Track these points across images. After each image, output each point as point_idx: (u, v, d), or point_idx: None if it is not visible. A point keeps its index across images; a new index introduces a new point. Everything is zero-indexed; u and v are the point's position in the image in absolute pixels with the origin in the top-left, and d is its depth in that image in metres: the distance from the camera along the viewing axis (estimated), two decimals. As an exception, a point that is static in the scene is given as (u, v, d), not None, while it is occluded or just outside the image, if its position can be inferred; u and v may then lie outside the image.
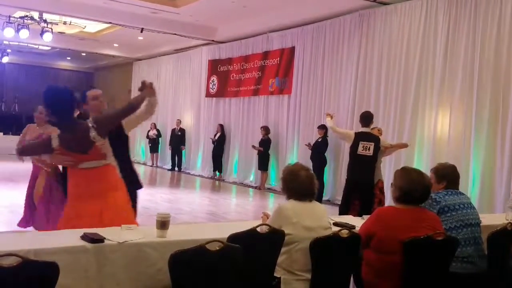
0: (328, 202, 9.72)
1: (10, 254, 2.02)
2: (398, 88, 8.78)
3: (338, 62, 10.12)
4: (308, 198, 3.08)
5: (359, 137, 6.44)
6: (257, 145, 11.56)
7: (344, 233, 2.95)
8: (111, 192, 3.40)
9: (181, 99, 15.65)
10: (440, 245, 2.95)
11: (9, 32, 11.32)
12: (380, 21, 9.27)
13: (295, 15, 10.65)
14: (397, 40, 8.91)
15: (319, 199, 8.99)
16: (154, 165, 16.14)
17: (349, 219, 3.97)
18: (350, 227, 3.23)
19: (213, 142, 13.30)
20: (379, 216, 3.10)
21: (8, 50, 17.15)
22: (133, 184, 4.08)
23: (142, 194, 10.00)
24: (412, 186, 3.02)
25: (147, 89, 3.65)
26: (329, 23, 10.39)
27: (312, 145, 10.02)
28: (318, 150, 9.81)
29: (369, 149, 6.25)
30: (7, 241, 2.73)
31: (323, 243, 2.88)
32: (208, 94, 14.27)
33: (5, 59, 17.29)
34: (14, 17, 11.45)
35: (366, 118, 6.55)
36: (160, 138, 15.98)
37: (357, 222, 3.64)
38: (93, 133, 3.29)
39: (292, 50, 11.33)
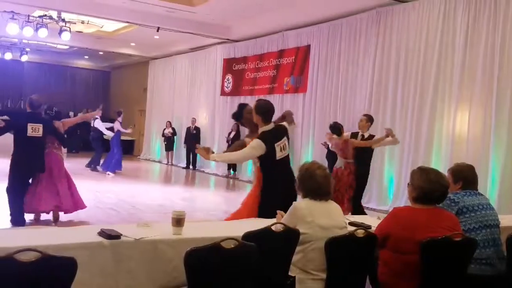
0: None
1: (29, 249, 2.05)
2: (416, 87, 8.68)
3: (354, 61, 10.04)
4: (324, 198, 3.07)
5: None
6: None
7: (360, 232, 2.93)
8: None
9: (196, 97, 15.71)
10: (458, 246, 2.91)
11: (28, 31, 11.47)
12: (398, 19, 9.17)
13: (311, 13, 10.60)
14: (415, 37, 8.81)
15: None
16: (169, 163, 16.23)
17: (365, 218, 3.94)
18: (366, 227, 3.20)
19: (227, 141, 13.32)
20: (396, 216, 3.07)
21: (27, 49, 17.40)
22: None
23: (158, 192, 10.13)
24: (430, 186, 2.98)
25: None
26: (345, 21, 10.31)
27: (328, 144, 9.91)
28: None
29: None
30: (26, 236, 2.77)
31: (338, 242, 2.86)
32: (223, 93, 14.29)
33: (24, 58, 17.54)
34: (33, 16, 11.60)
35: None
36: (175, 136, 16.06)
37: (373, 222, 3.61)
38: None
39: (307, 48, 11.28)
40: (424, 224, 2.93)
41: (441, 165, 7.62)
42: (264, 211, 4.05)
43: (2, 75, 20.18)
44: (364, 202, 9.41)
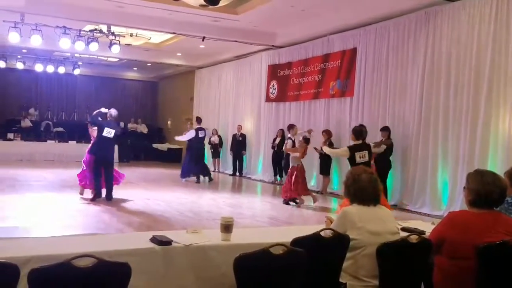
0: (395, 207, 9.42)
1: (86, 255, 2.12)
2: (469, 88, 8.36)
3: (403, 63, 9.81)
4: (372, 202, 3.00)
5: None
6: (319, 148, 11.43)
7: (414, 238, 2.84)
8: None
9: (242, 104, 15.84)
10: (517, 251, 2.77)
11: (80, 45, 11.96)
12: (448, 19, 8.89)
13: (356, 16, 10.46)
14: (466, 38, 8.50)
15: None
16: (216, 170, 16.40)
17: (418, 224, 3.82)
18: (420, 232, 3.10)
19: (272, 147, 13.33)
20: (451, 220, 2.96)
21: (79, 63, 18.14)
22: None
23: (205, 199, 10.26)
24: (487, 188, 2.86)
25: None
26: (392, 23, 10.11)
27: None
28: (383, 153, 9.48)
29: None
30: (82, 243, 2.88)
31: (391, 248, 2.78)
32: (268, 99, 14.33)
33: (77, 71, 18.28)
34: (84, 30, 12.09)
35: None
36: (221, 143, 16.23)
37: (427, 227, 3.50)
38: None
39: (353, 51, 11.13)
40: (481, 229, 2.81)
41: (497, 168, 7.29)
42: None
43: (57, 89, 21.17)
44: (417, 207, 9.20)
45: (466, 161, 8.26)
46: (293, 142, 10.08)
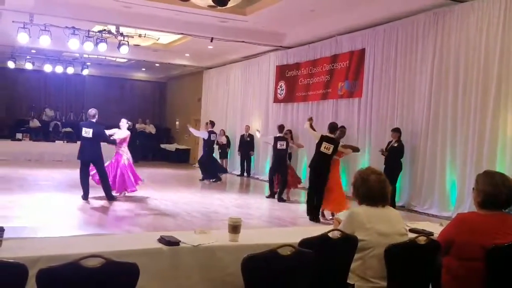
0: (403, 208, 9.38)
1: (94, 256, 2.13)
2: (478, 88, 8.31)
3: (412, 64, 9.77)
4: (380, 203, 2.99)
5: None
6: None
7: (422, 239, 2.83)
8: None
9: (250, 105, 15.84)
10: (528, 253, 2.74)
11: (88, 46, 12.01)
12: (456, 20, 8.84)
13: (365, 16, 10.43)
14: (475, 39, 8.45)
15: (393, 206, 8.66)
16: (224, 170, 16.42)
17: (426, 225, 3.80)
18: (428, 234, 3.08)
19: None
20: (460, 221, 2.93)
21: (88, 63, 18.24)
22: None
23: (212, 199, 10.29)
24: (497, 189, 2.83)
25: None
26: (401, 23, 10.07)
27: (386, 150, 9.60)
28: (394, 155, 9.39)
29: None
30: (90, 243, 2.89)
31: (399, 249, 2.77)
32: (276, 100, 14.32)
33: (86, 72, 18.39)
34: (93, 31, 12.15)
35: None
36: (229, 144, 16.24)
37: (435, 228, 3.48)
38: None
39: (362, 52, 11.10)
40: (490, 230, 2.80)
41: (506, 170, 7.25)
42: None
43: (66, 89, 21.30)
44: (425, 208, 9.15)
45: (474, 162, 8.21)
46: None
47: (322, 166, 8.06)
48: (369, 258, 2.85)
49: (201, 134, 13.34)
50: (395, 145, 9.43)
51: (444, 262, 2.94)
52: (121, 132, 9.51)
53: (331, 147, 7.96)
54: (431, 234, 3.16)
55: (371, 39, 10.87)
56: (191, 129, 13.54)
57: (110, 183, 9.07)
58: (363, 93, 10.97)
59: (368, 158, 10.70)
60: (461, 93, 8.64)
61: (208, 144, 13.34)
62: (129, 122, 9.73)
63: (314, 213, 8.07)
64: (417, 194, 9.46)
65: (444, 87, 8.99)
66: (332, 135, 8.13)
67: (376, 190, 2.98)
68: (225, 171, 13.69)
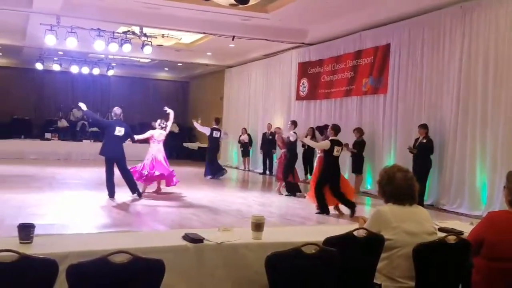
0: (432, 207, 9.23)
1: (121, 252, 2.17)
2: (508, 83, 8.08)
3: (439, 59, 9.57)
4: (407, 202, 2.92)
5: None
6: (350, 147, 11.31)
7: (451, 239, 2.76)
8: None
9: (272, 103, 15.82)
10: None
11: (113, 47, 12.19)
12: (485, 13, 8.63)
13: (390, 11, 10.28)
14: (504, 33, 8.23)
15: (421, 205, 8.56)
16: (246, 169, 16.46)
17: (456, 224, 3.73)
18: (458, 233, 3.02)
19: (302, 146, 13.26)
20: (490, 221, 2.87)
21: (113, 64, 18.51)
22: None
23: (235, 197, 10.34)
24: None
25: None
26: (427, 18, 9.89)
27: (414, 147, 9.44)
28: (424, 152, 9.21)
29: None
30: (117, 240, 2.94)
31: (427, 249, 2.72)
32: (299, 97, 14.27)
33: (110, 72, 18.65)
34: (117, 32, 12.33)
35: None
36: (251, 142, 16.27)
37: (466, 227, 3.41)
38: None
39: (387, 47, 10.94)
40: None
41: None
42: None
43: (92, 90, 21.63)
44: (454, 207, 8.97)
45: (505, 159, 8.01)
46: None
47: (338, 169, 8.42)
48: (397, 258, 2.80)
49: (204, 129, 13.57)
50: (424, 141, 9.27)
51: (475, 262, 2.88)
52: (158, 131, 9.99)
53: (340, 148, 8.32)
54: (461, 233, 3.09)
55: (396, 34, 10.71)
56: (196, 124, 13.63)
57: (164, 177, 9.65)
58: (388, 89, 10.82)
59: (394, 156, 10.56)
60: (491, 88, 8.42)
61: (211, 141, 13.64)
62: (162, 123, 10.10)
63: (327, 208, 8.31)
64: (446, 193, 9.27)
65: (473, 82, 8.79)
66: (336, 138, 8.30)
67: (403, 188, 2.92)
68: (222, 172, 13.76)
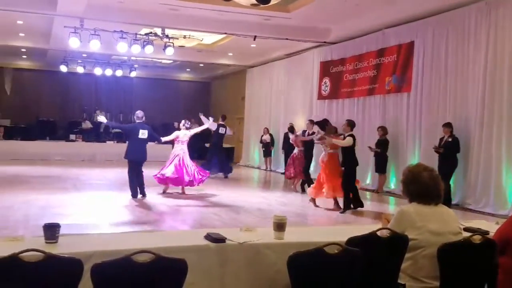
0: (457, 206, 9.07)
1: (144, 251, 2.19)
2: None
3: (464, 56, 9.40)
4: (433, 201, 2.88)
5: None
6: (373, 146, 11.20)
7: (477, 238, 2.71)
8: None
9: (293, 102, 15.77)
10: None
11: (136, 49, 12.34)
12: (510, 10, 8.44)
13: (413, 8, 10.13)
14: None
15: (448, 204, 8.45)
16: (268, 169, 16.44)
17: (482, 223, 3.65)
18: (484, 233, 2.96)
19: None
20: (517, 220, 2.80)
21: (136, 66, 18.74)
22: None
23: (257, 197, 10.35)
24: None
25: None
26: (451, 15, 9.72)
27: (440, 146, 9.29)
28: (450, 151, 9.08)
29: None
30: (141, 239, 2.97)
31: (452, 249, 2.67)
32: (320, 96, 14.19)
33: (133, 74, 18.90)
34: (140, 34, 12.47)
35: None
36: (273, 142, 16.24)
37: (491, 227, 3.34)
38: None
39: (410, 45, 10.80)
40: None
41: None
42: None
43: (115, 91, 21.96)
44: (480, 206, 8.80)
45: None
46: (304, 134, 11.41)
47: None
48: (421, 258, 2.75)
49: (211, 125, 13.23)
50: (450, 140, 9.13)
51: (500, 261, 2.82)
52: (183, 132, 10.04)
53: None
54: (487, 233, 3.03)
55: (420, 32, 10.55)
56: (202, 117, 13.57)
57: (191, 177, 9.62)
58: (412, 87, 10.67)
59: (418, 155, 10.40)
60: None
61: (216, 137, 13.76)
62: (187, 124, 10.18)
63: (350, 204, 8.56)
64: (471, 192, 9.10)
65: (499, 80, 8.59)
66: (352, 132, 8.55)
67: (429, 187, 2.87)
68: (223, 171, 13.79)
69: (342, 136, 8.67)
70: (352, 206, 8.49)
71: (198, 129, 10.68)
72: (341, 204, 8.54)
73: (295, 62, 15.68)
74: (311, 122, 11.12)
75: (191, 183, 9.70)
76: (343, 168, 8.54)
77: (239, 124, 20.10)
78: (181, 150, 9.89)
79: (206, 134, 14.32)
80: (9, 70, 20.56)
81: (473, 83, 9.17)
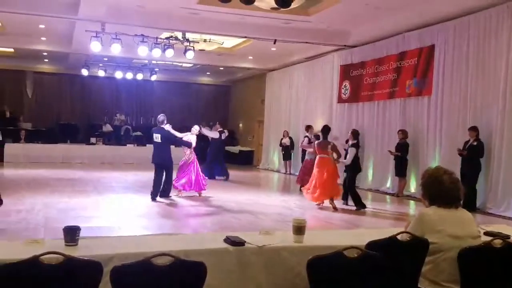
0: (478, 210, 8.91)
1: (164, 254, 2.20)
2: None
3: (485, 60, 9.27)
4: (454, 204, 2.84)
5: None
6: (393, 150, 11.07)
7: (498, 243, 2.67)
8: None
9: (313, 106, 15.71)
10: None
11: (156, 53, 12.46)
12: (532, 11, 8.30)
13: (433, 12, 10.03)
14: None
15: (473, 208, 8.33)
16: (288, 172, 16.40)
17: (503, 228, 3.57)
18: (505, 237, 2.90)
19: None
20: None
21: (156, 69, 18.92)
22: None
23: (276, 201, 10.32)
24: None
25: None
26: (472, 18, 9.60)
27: (464, 149, 9.16)
28: (474, 155, 8.96)
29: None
30: (160, 242, 2.98)
31: (473, 253, 2.64)
32: (340, 100, 14.11)
33: (154, 77, 19.08)
34: (160, 38, 12.59)
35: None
36: (293, 145, 16.19)
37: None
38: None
39: (431, 48, 10.67)
40: None
41: None
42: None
43: (135, 94, 22.21)
44: (501, 211, 8.63)
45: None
46: (309, 139, 11.77)
47: None
48: (441, 262, 2.72)
49: (213, 134, 13.76)
50: (475, 143, 9.00)
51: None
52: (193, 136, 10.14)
53: None
54: (508, 237, 2.97)
55: (441, 35, 10.43)
56: (204, 130, 13.58)
57: (193, 182, 9.86)
58: (433, 90, 10.55)
59: (439, 158, 10.26)
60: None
61: (219, 143, 13.97)
62: (200, 130, 10.49)
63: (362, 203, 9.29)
64: (492, 196, 8.96)
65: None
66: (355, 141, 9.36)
67: (449, 191, 2.84)
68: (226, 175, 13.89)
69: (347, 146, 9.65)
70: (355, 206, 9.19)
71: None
72: (337, 205, 9.15)
73: (315, 66, 15.63)
74: (309, 126, 11.84)
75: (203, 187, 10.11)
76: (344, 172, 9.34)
77: (258, 128, 20.10)
78: (190, 152, 10.06)
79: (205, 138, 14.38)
80: (30, 74, 20.96)
81: (494, 86, 9.02)
